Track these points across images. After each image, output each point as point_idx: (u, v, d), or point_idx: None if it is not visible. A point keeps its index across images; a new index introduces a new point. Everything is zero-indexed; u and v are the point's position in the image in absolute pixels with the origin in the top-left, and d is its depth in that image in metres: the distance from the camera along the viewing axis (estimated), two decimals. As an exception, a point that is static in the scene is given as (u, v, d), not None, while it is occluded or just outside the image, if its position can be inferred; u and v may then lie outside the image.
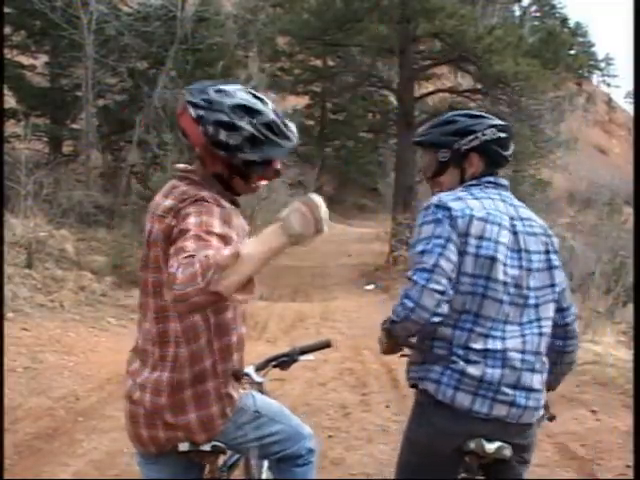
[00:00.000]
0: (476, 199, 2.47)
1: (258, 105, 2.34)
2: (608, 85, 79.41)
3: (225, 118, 2.26)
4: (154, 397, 2.37)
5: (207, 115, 2.28)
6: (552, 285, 2.52)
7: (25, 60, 18.75)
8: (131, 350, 2.56)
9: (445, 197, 2.44)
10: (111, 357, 8.29)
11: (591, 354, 8.58)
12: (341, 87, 29.64)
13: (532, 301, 2.45)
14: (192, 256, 1.90)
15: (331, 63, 30.31)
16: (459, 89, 24.86)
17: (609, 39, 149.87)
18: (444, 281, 2.28)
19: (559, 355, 2.69)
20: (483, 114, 2.78)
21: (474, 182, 2.57)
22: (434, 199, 2.46)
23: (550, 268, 2.52)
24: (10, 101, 17.65)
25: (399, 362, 7.99)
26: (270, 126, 2.32)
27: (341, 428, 5.74)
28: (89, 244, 14.38)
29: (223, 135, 2.25)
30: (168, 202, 2.35)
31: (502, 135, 2.72)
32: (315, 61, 31.48)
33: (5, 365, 6.59)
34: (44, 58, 19.23)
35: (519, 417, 2.43)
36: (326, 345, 3.08)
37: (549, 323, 2.50)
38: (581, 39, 61.98)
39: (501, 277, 2.38)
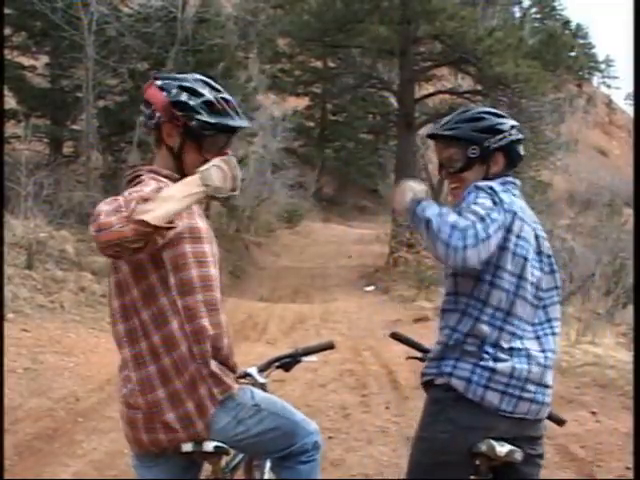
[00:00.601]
0: (514, 196, 2.51)
1: (218, 87, 2.46)
2: (608, 87, 79.41)
3: (188, 84, 2.39)
4: (149, 395, 2.31)
5: (171, 82, 2.40)
6: (556, 287, 2.57)
7: (26, 61, 18.75)
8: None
9: (497, 186, 2.44)
10: (111, 358, 8.28)
11: (591, 356, 8.58)
12: (341, 88, 29.64)
13: (543, 303, 2.51)
14: (116, 199, 2.14)
15: (331, 64, 30.32)
16: (459, 90, 24.85)
17: (609, 41, 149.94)
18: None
19: None
20: (503, 113, 2.88)
21: (501, 180, 2.55)
22: (485, 184, 2.44)
23: (553, 272, 2.55)
24: (10, 102, 17.66)
25: (399, 363, 8.00)
26: (227, 100, 2.43)
27: (341, 429, 5.74)
28: (89, 245, 14.35)
29: (184, 96, 2.36)
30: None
31: (521, 136, 2.79)
32: (315, 62, 31.50)
33: (5, 366, 6.59)
34: (45, 59, 19.23)
35: (537, 413, 2.52)
36: (329, 347, 3.11)
37: (559, 323, 2.54)
38: (581, 41, 61.96)
39: (529, 278, 2.43)
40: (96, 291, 11.57)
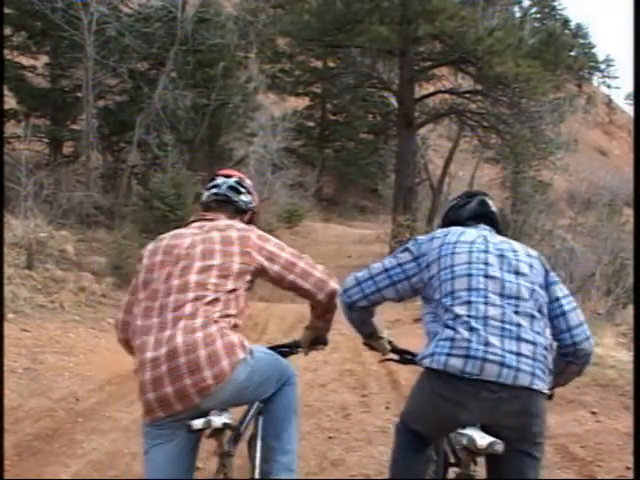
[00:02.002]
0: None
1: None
2: (608, 86, 79.46)
3: None
4: (187, 335, 2.75)
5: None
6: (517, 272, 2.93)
7: (25, 61, 18.74)
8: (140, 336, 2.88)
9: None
10: (111, 358, 8.29)
11: (591, 355, 8.57)
12: (341, 88, 29.61)
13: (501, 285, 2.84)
14: None
15: (331, 64, 30.31)
16: (459, 90, 24.84)
17: (609, 40, 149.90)
18: None
19: (566, 355, 2.92)
20: None
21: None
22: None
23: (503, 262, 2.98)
24: (10, 102, 17.65)
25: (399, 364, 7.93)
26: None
27: (341, 429, 5.74)
28: (89, 245, 14.38)
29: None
30: None
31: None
32: (315, 62, 31.52)
33: (5, 366, 6.59)
34: (44, 59, 19.22)
35: (514, 378, 2.59)
36: (322, 342, 3.57)
37: (521, 302, 2.76)
38: (581, 41, 61.96)
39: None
40: (96, 291, 11.57)
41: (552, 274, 2.95)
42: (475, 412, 2.64)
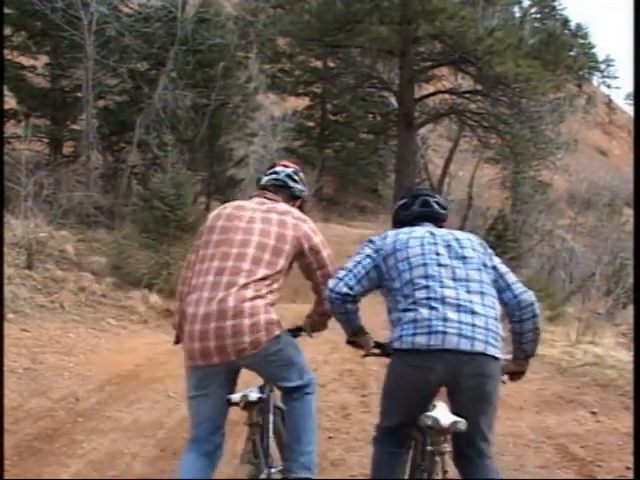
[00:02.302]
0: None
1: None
2: (608, 86, 79.44)
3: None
4: (238, 302, 3.28)
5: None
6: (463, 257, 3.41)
7: (25, 61, 18.72)
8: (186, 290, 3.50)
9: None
10: (111, 358, 8.30)
11: (591, 355, 8.59)
12: (341, 88, 29.61)
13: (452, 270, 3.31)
14: None
15: (331, 64, 30.29)
16: (459, 90, 24.85)
17: (609, 40, 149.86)
18: None
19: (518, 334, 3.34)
20: None
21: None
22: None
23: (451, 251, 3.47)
24: (10, 102, 17.64)
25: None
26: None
27: (341, 429, 5.74)
28: (89, 245, 14.38)
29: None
30: None
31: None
32: (315, 62, 31.50)
33: (5, 366, 6.59)
34: (44, 59, 19.19)
35: (471, 345, 3.06)
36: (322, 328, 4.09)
37: (471, 283, 3.25)
38: (581, 40, 61.92)
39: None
40: (96, 291, 11.57)
41: (492, 255, 3.45)
42: (441, 374, 3.12)
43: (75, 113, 18.53)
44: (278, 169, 3.93)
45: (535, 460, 4.93)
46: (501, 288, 3.33)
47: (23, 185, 12.43)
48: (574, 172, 36.86)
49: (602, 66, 77.82)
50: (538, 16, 51.08)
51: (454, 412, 3.12)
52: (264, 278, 3.40)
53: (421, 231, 3.46)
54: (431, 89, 26.79)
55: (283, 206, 3.69)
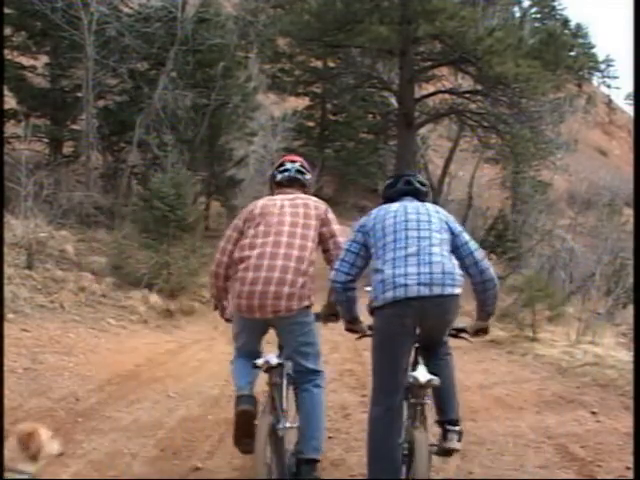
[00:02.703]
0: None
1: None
2: (608, 86, 79.44)
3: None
4: (281, 274, 4.14)
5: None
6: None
7: (25, 61, 18.70)
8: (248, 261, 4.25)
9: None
10: (111, 358, 8.30)
11: (591, 355, 8.59)
12: (341, 88, 29.59)
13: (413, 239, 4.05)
14: None
15: (331, 64, 30.26)
16: (459, 90, 24.84)
17: (609, 40, 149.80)
18: None
19: (478, 290, 4.10)
20: None
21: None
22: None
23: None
24: (10, 102, 17.62)
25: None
26: None
27: (341, 429, 5.74)
28: (89, 245, 14.37)
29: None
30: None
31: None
32: (315, 62, 31.44)
33: (5, 366, 6.59)
34: (45, 59, 19.17)
35: (430, 290, 3.81)
36: (334, 317, 4.57)
37: (430, 246, 3.99)
38: (581, 40, 61.90)
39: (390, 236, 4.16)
40: (96, 291, 11.57)
41: (456, 225, 4.16)
42: (411, 317, 3.84)
43: (75, 113, 18.51)
44: (288, 166, 4.72)
45: (535, 460, 4.93)
46: (468, 262, 4.04)
47: (23, 185, 12.42)
48: (574, 172, 36.85)
49: (602, 66, 77.86)
50: (538, 16, 51.10)
51: (424, 337, 4.01)
52: (299, 258, 4.24)
53: (397, 205, 4.22)
54: (431, 89, 26.78)
55: (302, 195, 4.59)
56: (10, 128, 17.04)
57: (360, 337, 4.43)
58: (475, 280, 4.06)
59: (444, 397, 4.03)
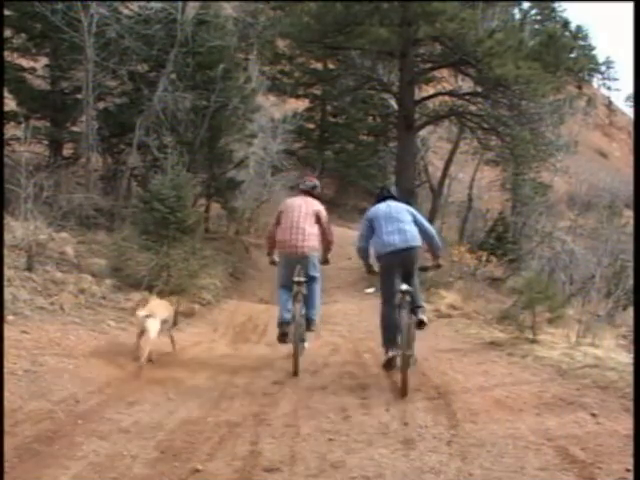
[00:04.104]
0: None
1: None
2: (609, 88, 79.64)
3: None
4: (303, 235, 8.32)
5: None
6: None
7: (25, 63, 18.71)
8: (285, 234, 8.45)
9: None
10: (111, 360, 8.29)
11: (591, 357, 8.58)
12: (341, 90, 29.62)
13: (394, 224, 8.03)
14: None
15: (331, 66, 30.30)
16: (459, 92, 24.84)
17: (610, 42, 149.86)
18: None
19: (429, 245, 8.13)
20: None
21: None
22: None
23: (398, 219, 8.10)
24: (10, 104, 17.63)
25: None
26: None
27: (341, 431, 5.73)
28: (89, 247, 14.36)
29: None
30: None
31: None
32: (315, 64, 31.50)
33: (5, 368, 6.59)
34: (44, 61, 19.19)
35: (404, 244, 7.72)
36: (326, 262, 9.21)
37: (404, 229, 7.88)
38: (582, 42, 61.98)
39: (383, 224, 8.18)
40: (96, 293, 11.56)
41: (415, 213, 8.06)
42: (397, 260, 7.70)
43: (75, 115, 18.52)
44: (308, 183, 9.04)
45: (535, 462, 4.92)
46: (422, 231, 7.94)
47: (23, 187, 12.41)
48: (574, 174, 36.91)
49: (602, 68, 78.01)
50: (538, 18, 51.15)
51: (404, 270, 7.74)
52: (310, 234, 8.38)
53: (384, 205, 8.19)
54: (431, 91, 26.78)
55: (311, 198, 8.78)
56: (10, 130, 17.05)
57: (372, 273, 8.50)
58: (426, 239, 8.02)
59: (414, 295, 7.63)
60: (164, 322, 8.44)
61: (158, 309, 8.43)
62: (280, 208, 8.68)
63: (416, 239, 7.75)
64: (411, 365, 7.12)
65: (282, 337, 8.22)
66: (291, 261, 8.27)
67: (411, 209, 8.04)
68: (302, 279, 8.08)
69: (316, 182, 9.08)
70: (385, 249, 7.73)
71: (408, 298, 7.33)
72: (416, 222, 7.91)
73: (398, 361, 7.26)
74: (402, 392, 6.78)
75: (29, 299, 10.13)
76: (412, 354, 7.25)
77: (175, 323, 9.14)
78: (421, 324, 7.60)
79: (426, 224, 8.04)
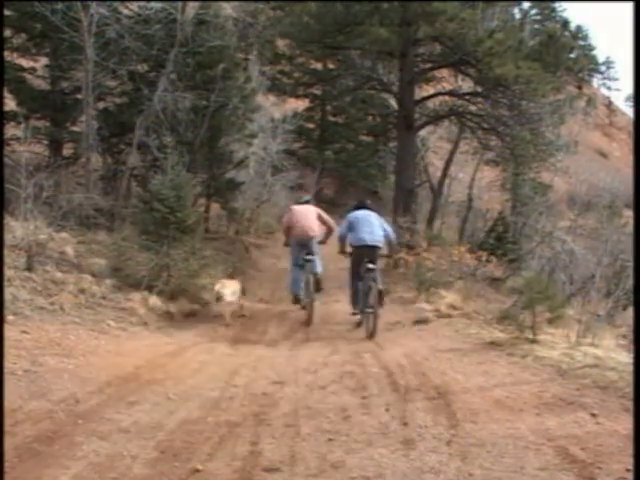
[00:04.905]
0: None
1: None
2: (609, 88, 79.61)
3: None
4: (310, 228, 12.85)
5: None
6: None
7: (25, 63, 18.69)
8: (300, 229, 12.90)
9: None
10: (111, 360, 8.30)
11: (591, 357, 8.57)
12: (341, 90, 29.55)
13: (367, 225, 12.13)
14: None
15: (331, 66, 30.26)
16: (459, 92, 24.81)
17: (610, 42, 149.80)
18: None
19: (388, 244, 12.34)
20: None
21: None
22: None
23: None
24: (10, 104, 17.63)
25: (399, 366, 8.01)
26: None
27: (341, 431, 5.74)
28: (89, 247, 14.36)
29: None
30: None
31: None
32: (315, 64, 31.45)
33: (5, 368, 6.59)
34: (44, 61, 19.17)
35: (372, 242, 11.75)
36: (324, 243, 13.79)
37: (376, 230, 12.02)
38: (582, 42, 61.98)
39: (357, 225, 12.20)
40: (96, 293, 11.56)
41: (382, 221, 12.29)
42: (365, 253, 11.60)
43: (75, 115, 18.50)
44: (305, 198, 14.00)
45: (535, 462, 4.93)
46: (385, 234, 11.97)
47: (23, 187, 12.41)
48: (574, 174, 36.90)
49: (602, 68, 78.01)
50: (538, 18, 51.16)
51: (368, 259, 11.47)
52: (315, 226, 12.86)
53: (361, 212, 12.14)
54: (431, 91, 26.71)
55: (312, 207, 13.27)
56: (10, 130, 17.05)
57: (345, 254, 12.17)
58: (387, 241, 12.03)
59: (375, 275, 11.21)
60: (234, 293, 12.72)
61: (229, 284, 12.87)
62: (289, 211, 13.30)
63: (380, 241, 11.86)
64: (378, 314, 11.08)
65: (296, 301, 13.08)
66: (301, 243, 12.79)
67: (379, 218, 12.26)
68: (307, 257, 12.72)
69: (309, 197, 14.65)
70: (359, 242, 11.75)
71: (373, 274, 11.32)
72: (382, 227, 12.01)
73: (360, 317, 11.81)
74: (371, 335, 10.89)
75: (29, 299, 10.14)
76: (376, 308, 11.06)
77: (243, 293, 13.62)
78: (380, 292, 11.30)
79: (388, 229, 12.22)
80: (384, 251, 12.31)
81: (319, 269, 12.90)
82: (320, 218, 12.98)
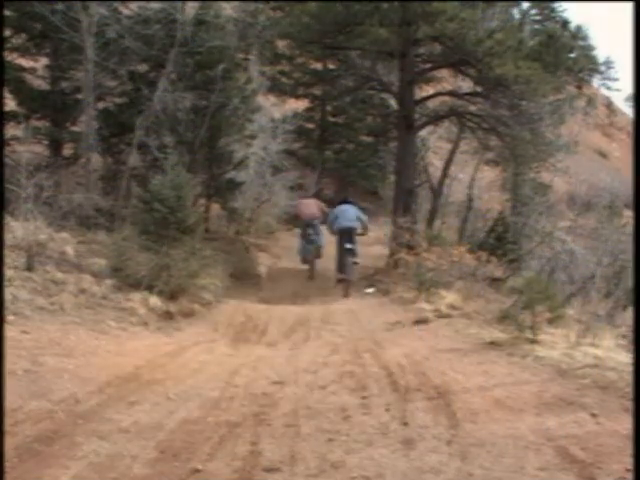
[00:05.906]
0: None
1: None
2: (609, 88, 79.52)
3: None
4: (313, 212, 18.85)
5: None
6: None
7: (25, 63, 18.68)
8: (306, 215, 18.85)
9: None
10: (111, 360, 8.30)
11: (591, 357, 8.58)
12: (341, 90, 29.54)
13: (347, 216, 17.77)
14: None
15: (331, 66, 30.26)
16: (459, 92, 24.80)
17: (610, 42, 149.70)
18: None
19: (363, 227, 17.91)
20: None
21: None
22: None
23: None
24: (10, 104, 17.62)
25: (399, 365, 8.01)
26: None
27: (341, 431, 5.74)
28: (89, 247, 14.36)
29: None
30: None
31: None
32: (315, 64, 31.44)
33: (5, 368, 6.59)
34: (44, 61, 19.16)
35: (351, 225, 17.31)
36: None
37: (354, 221, 17.55)
38: (581, 42, 61.92)
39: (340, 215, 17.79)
40: (96, 293, 11.56)
41: (360, 213, 17.88)
42: (347, 235, 17.06)
43: (75, 115, 18.48)
44: (306, 200, 19.62)
45: (535, 462, 4.93)
46: (360, 221, 17.56)
47: (23, 187, 12.41)
48: (574, 174, 36.86)
49: (602, 68, 77.93)
50: (538, 18, 51.15)
51: (349, 239, 17.04)
52: (317, 212, 18.68)
53: (344, 206, 17.70)
54: (431, 91, 26.67)
55: (313, 200, 19.71)
56: (10, 130, 17.04)
57: (333, 234, 17.57)
58: (362, 225, 17.69)
59: (354, 250, 16.99)
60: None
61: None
62: (299, 204, 19.53)
63: (356, 224, 17.24)
64: (351, 280, 16.61)
65: (305, 261, 18.68)
66: (307, 224, 18.38)
67: (356, 209, 17.74)
68: (311, 235, 18.16)
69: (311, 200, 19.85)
70: (341, 226, 17.04)
71: (350, 252, 16.65)
72: (357, 215, 17.42)
73: (341, 276, 16.67)
74: (346, 294, 16.15)
75: (29, 299, 10.14)
76: (352, 278, 16.66)
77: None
78: (355, 263, 16.85)
79: (362, 217, 17.71)
80: (359, 231, 17.64)
81: (321, 242, 18.64)
82: (319, 207, 18.94)
